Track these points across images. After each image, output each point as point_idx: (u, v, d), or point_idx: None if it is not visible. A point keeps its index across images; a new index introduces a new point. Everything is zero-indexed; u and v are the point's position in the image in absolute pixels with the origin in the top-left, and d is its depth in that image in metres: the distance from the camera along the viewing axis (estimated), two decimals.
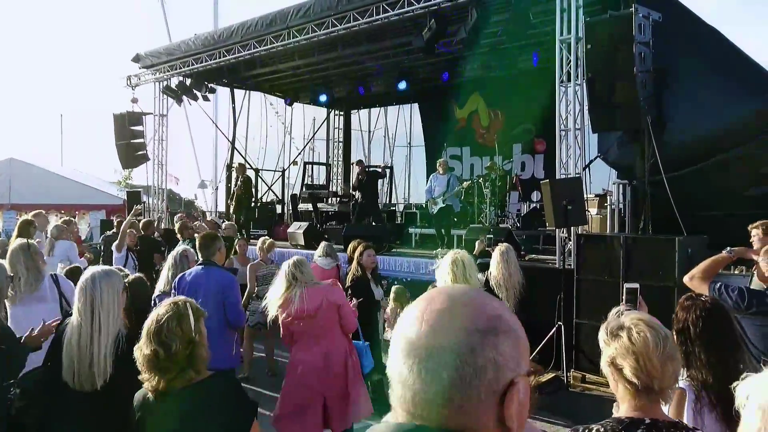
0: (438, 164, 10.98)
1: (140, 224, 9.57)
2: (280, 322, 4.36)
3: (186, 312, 2.35)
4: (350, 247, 6.74)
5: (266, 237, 8.18)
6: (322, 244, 7.56)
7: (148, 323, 2.34)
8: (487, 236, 7.81)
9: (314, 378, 4.27)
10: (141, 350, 2.32)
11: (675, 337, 2.41)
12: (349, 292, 5.50)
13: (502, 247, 5.71)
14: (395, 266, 9.48)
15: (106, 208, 21.25)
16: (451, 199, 10.60)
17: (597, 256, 7.11)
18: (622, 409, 1.89)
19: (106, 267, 3.11)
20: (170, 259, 5.13)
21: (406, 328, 0.90)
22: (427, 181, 12.76)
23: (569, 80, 8.16)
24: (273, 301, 4.33)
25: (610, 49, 7.29)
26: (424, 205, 11.20)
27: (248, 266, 7.49)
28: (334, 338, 4.37)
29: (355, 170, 12.63)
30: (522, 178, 13.55)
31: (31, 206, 14.46)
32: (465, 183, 10.50)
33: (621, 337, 1.89)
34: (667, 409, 2.02)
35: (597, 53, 7.41)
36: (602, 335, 1.96)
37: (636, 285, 2.63)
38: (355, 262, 6.01)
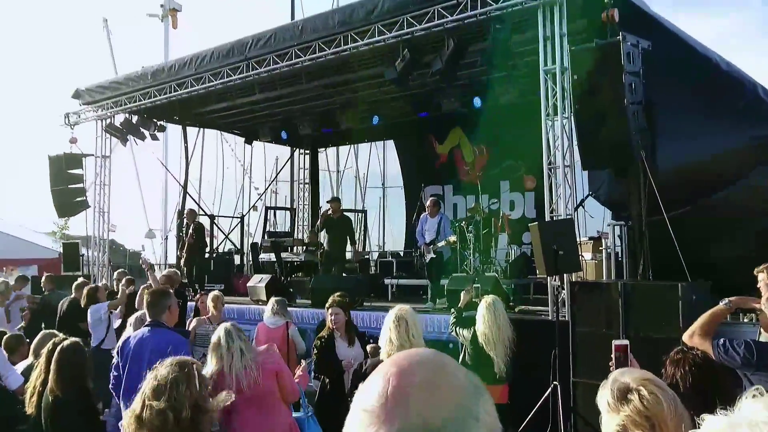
0: (426, 205, 10.87)
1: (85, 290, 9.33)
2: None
3: (193, 373, 2.30)
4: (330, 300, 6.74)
5: (217, 292, 8.14)
6: (272, 300, 7.55)
7: (149, 384, 2.25)
8: (474, 286, 7.84)
9: None
10: (134, 413, 2.21)
11: None
12: (314, 352, 5.48)
13: (488, 298, 5.74)
14: (370, 322, 9.41)
15: (38, 262, 20.81)
16: (443, 247, 10.48)
17: (593, 306, 7.16)
18: None
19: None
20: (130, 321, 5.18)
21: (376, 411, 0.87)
22: (413, 222, 12.76)
23: (556, 113, 8.37)
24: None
25: (597, 80, 7.53)
26: (419, 251, 10.95)
27: (189, 321, 7.47)
28: (274, 410, 4.31)
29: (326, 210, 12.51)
30: (511, 218, 13.72)
31: None
32: (451, 238, 10.34)
33: (632, 401, 1.87)
34: None
35: (584, 84, 7.64)
36: (606, 400, 1.94)
37: (626, 342, 2.66)
38: (327, 320, 5.97)
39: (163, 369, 2.31)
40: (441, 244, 10.33)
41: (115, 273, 10.31)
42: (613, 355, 2.68)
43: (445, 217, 10.94)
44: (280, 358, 4.64)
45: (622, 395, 1.90)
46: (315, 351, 5.81)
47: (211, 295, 7.89)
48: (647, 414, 1.83)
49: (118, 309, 8.40)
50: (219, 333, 4.36)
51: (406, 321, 4.11)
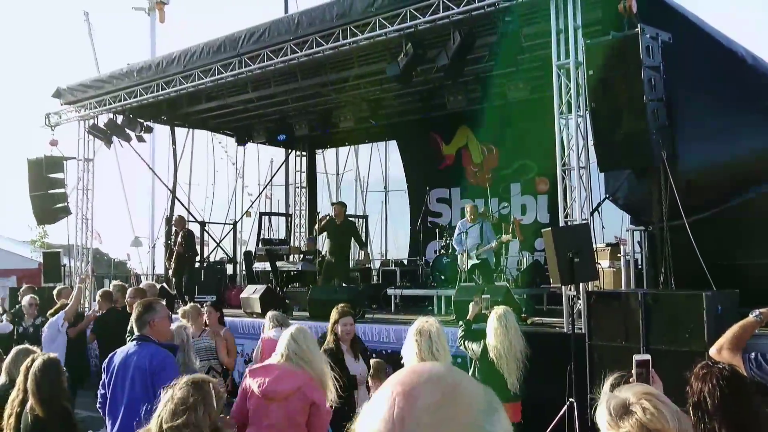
0: (466, 210, 10.87)
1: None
2: (241, 387, 4.29)
3: (210, 393, 2.29)
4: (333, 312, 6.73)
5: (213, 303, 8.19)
6: (270, 314, 7.48)
7: (165, 407, 2.23)
8: (483, 296, 7.83)
9: None
10: None
11: (690, 411, 2.42)
12: None
13: (499, 310, 5.74)
14: (372, 336, 9.41)
15: (17, 273, 20.86)
16: (487, 252, 10.53)
17: (611, 318, 7.14)
18: None
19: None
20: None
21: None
22: (417, 228, 12.76)
23: (570, 111, 8.38)
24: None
25: (614, 75, 7.54)
26: (458, 257, 10.95)
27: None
28: None
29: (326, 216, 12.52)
30: (523, 224, 13.72)
31: None
32: (505, 237, 10.33)
33: (633, 414, 1.88)
34: None
35: (600, 80, 7.65)
36: (603, 416, 1.94)
37: (647, 356, 2.65)
38: (329, 332, 5.93)
39: (179, 390, 2.30)
40: (493, 243, 10.37)
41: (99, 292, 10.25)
42: (633, 371, 2.67)
43: (486, 223, 10.95)
44: (323, 394, 4.38)
45: (621, 410, 1.89)
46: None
47: (206, 307, 7.90)
48: (649, 427, 1.83)
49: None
50: (291, 333, 4.37)
51: (429, 334, 4.10)
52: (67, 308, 8.44)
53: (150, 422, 2.28)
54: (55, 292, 10.10)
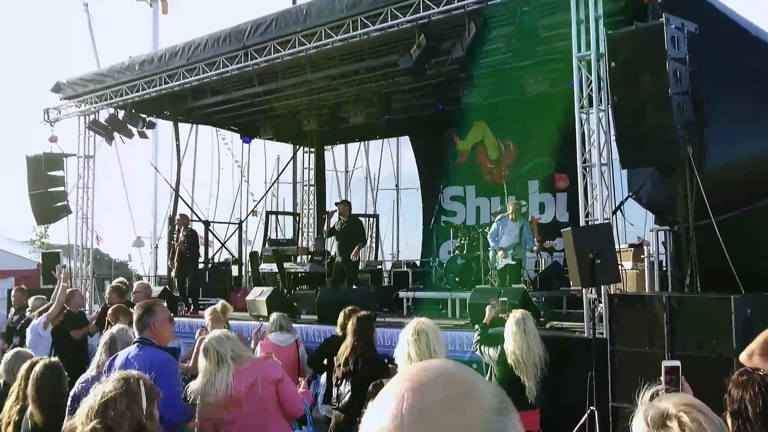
0: (508, 205, 10.74)
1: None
2: (196, 412, 4.38)
3: (138, 390, 2.33)
4: (343, 314, 6.72)
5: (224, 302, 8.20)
6: (274, 315, 7.50)
7: (90, 400, 2.30)
8: (500, 300, 7.82)
9: None
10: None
11: (729, 420, 2.40)
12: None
13: (517, 313, 5.73)
14: (383, 340, 9.40)
15: (15, 274, 21.02)
16: (522, 254, 10.44)
17: (635, 322, 7.12)
18: None
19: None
20: (104, 338, 5.18)
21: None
22: (430, 227, 12.72)
23: (591, 105, 8.36)
24: (193, 385, 4.40)
25: (638, 67, 7.51)
26: (491, 253, 10.84)
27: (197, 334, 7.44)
28: (272, 424, 4.32)
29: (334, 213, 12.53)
30: (541, 223, 13.69)
31: None
32: (548, 243, 10.20)
33: (670, 429, 1.86)
34: None
35: (623, 73, 7.62)
36: (639, 427, 1.93)
37: (677, 362, 2.63)
38: (351, 337, 5.87)
39: (107, 384, 2.34)
40: (531, 246, 10.32)
41: (136, 284, 10.32)
42: (662, 378, 2.66)
43: (527, 224, 10.83)
44: (279, 367, 4.66)
45: (659, 422, 1.86)
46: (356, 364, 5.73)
47: (217, 306, 7.86)
48: None
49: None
50: (211, 339, 4.43)
51: (426, 334, 4.11)
52: (50, 310, 8.41)
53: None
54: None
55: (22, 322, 9.09)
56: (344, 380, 5.59)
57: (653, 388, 2.09)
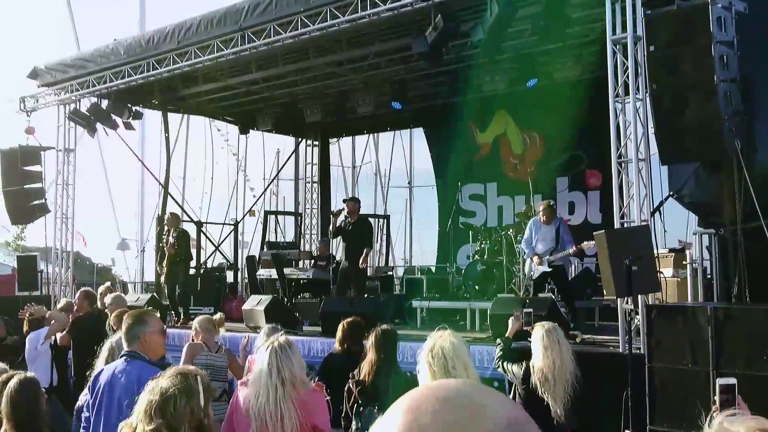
0: (537, 206, 10.60)
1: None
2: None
3: (197, 387, 2.38)
4: (343, 328, 6.71)
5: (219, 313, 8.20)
6: (266, 327, 7.47)
7: (147, 397, 2.35)
8: (525, 311, 7.80)
9: None
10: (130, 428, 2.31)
11: None
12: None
13: (545, 326, 5.70)
14: (397, 353, 9.43)
15: None
16: (563, 259, 10.22)
17: (676, 336, 7.10)
18: None
19: None
20: (104, 348, 5.27)
21: None
22: (446, 230, 12.67)
23: (627, 94, 8.34)
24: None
25: (680, 51, 7.48)
26: (525, 259, 10.72)
27: (184, 348, 7.45)
28: None
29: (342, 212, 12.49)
30: (570, 224, 13.65)
31: None
32: (585, 244, 9.83)
33: None
34: None
35: (663, 58, 7.59)
36: None
37: (733, 380, 2.63)
38: (374, 353, 5.72)
39: (163, 381, 2.40)
40: (568, 251, 9.99)
41: (78, 292, 10.37)
42: (717, 398, 2.65)
43: (563, 223, 10.61)
44: (326, 411, 4.52)
45: None
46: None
47: (203, 318, 7.85)
48: None
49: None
50: (273, 346, 4.38)
51: (441, 351, 4.08)
52: (53, 323, 8.46)
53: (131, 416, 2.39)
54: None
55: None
56: (369, 406, 5.52)
57: (726, 412, 2.06)
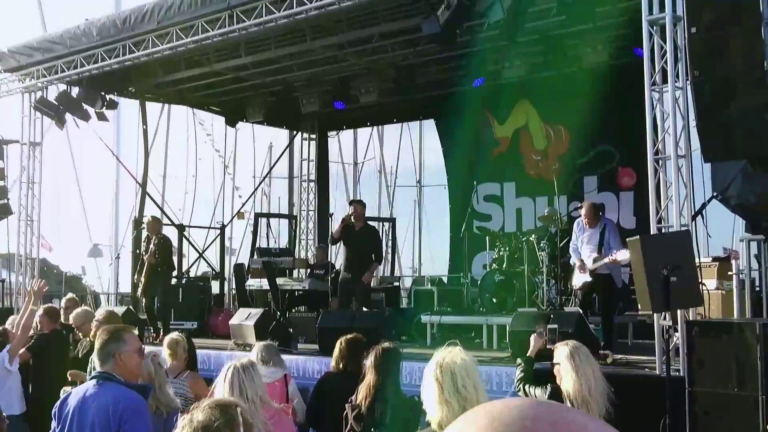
0: (581, 208, 10.31)
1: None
2: None
3: (237, 419, 2.44)
4: (341, 345, 6.72)
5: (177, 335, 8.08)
6: (259, 345, 7.48)
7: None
8: (549, 327, 7.79)
9: None
10: None
11: None
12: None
13: (571, 345, 5.68)
14: (401, 376, 9.41)
15: None
16: (609, 267, 9.71)
17: (720, 357, 7.07)
18: None
19: None
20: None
21: None
22: (460, 233, 12.64)
23: (665, 82, 8.32)
24: None
25: (725, 34, 7.46)
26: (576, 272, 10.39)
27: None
28: None
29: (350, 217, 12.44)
30: None
31: None
32: (620, 254, 9.45)
33: None
34: None
35: (706, 41, 7.59)
36: None
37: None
38: (373, 374, 5.75)
39: (200, 413, 2.44)
40: (613, 257, 9.37)
41: (63, 300, 10.39)
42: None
43: (612, 226, 10.26)
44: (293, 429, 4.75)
45: None
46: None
47: (169, 338, 7.79)
48: None
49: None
50: (229, 370, 4.54)
51: (450, 370, 4.08)
52: (15, 340, 8.41)
53: None
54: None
55: None
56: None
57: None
